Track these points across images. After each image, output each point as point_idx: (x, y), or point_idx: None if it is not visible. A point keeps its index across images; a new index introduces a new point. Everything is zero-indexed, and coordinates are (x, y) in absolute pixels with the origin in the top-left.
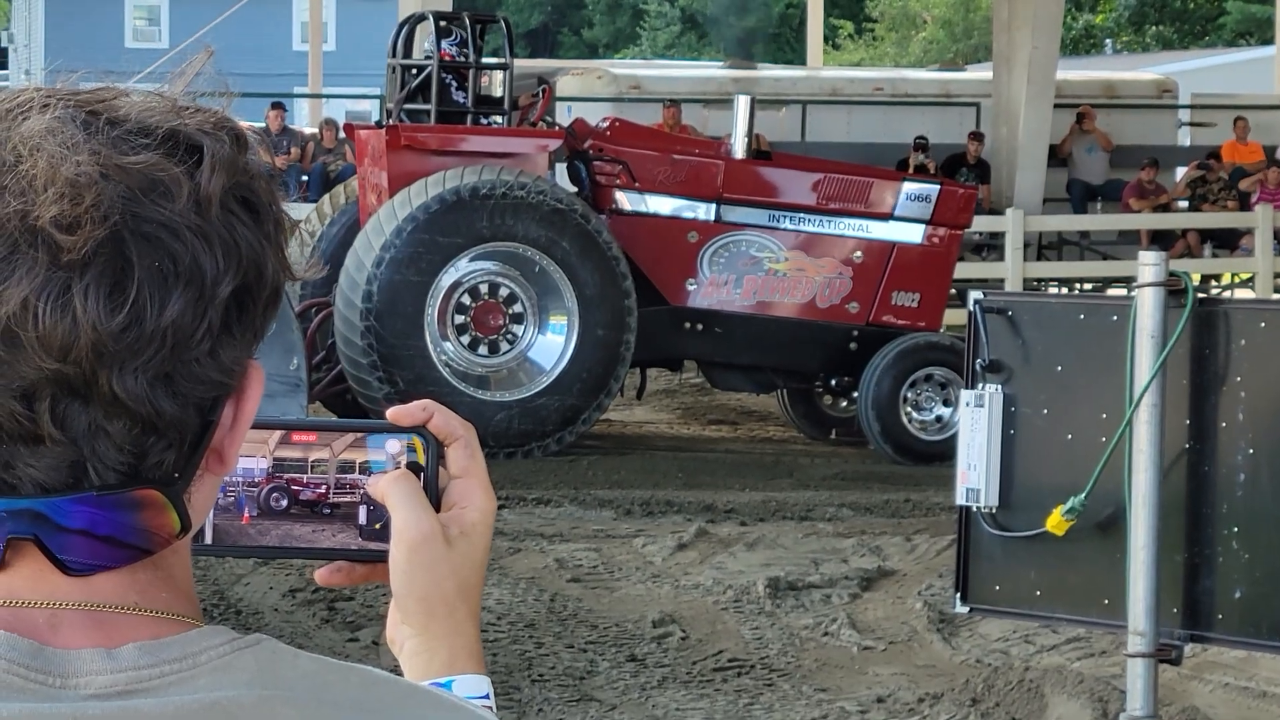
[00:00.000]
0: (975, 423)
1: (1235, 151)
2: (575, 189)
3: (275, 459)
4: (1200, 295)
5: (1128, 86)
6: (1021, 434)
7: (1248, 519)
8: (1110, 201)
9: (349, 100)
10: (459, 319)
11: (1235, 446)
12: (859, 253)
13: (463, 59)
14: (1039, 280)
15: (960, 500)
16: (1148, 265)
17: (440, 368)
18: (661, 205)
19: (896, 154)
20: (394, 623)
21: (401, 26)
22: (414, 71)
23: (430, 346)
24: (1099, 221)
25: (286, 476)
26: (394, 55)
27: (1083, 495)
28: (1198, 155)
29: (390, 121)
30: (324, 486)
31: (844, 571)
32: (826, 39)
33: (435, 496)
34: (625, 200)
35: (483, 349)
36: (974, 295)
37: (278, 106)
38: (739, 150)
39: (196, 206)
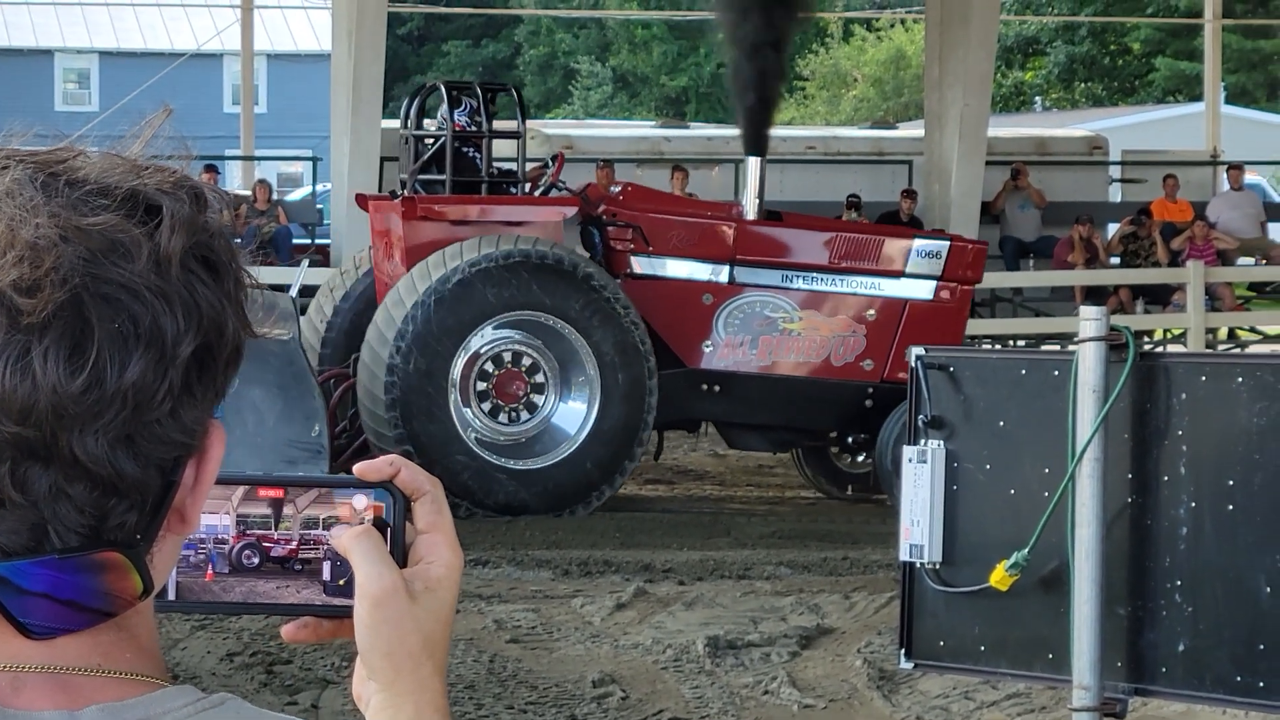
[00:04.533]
0: (918, 479)
1: (1165, 209)
2: (588, 254)
3: (239, 515)
4: (1141, 350)
5: (1059, 143)
6: (964, 489)
7: (1191, 572)
8: (1043, 258)
9: (282, 162)
10: (481, 387)
11: (1177, 500)
12: (872, 310)
13: (475, 128)
14: (973, 337)
15: (904, 556)
16: (1089, 320)
17: (465, 437)
18: (676, 268)
19: (829, 212)
20: (360, 678)
21: (413, 97)
22: (427, 142)
23: (454, 416)
24: (1032, 278)
25: (256, 533)
26: (405, 126)
27: (1026, 550)
28: (1129, 211)
29: (405, 192)
30: (293, 542)
31: (783, 630)
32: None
33: (401, 551)
34: (639, 264)
35: (504, 417)
36: (915, 351)
37: (210, 169)
38: (750, 211)
39: (156, 267)
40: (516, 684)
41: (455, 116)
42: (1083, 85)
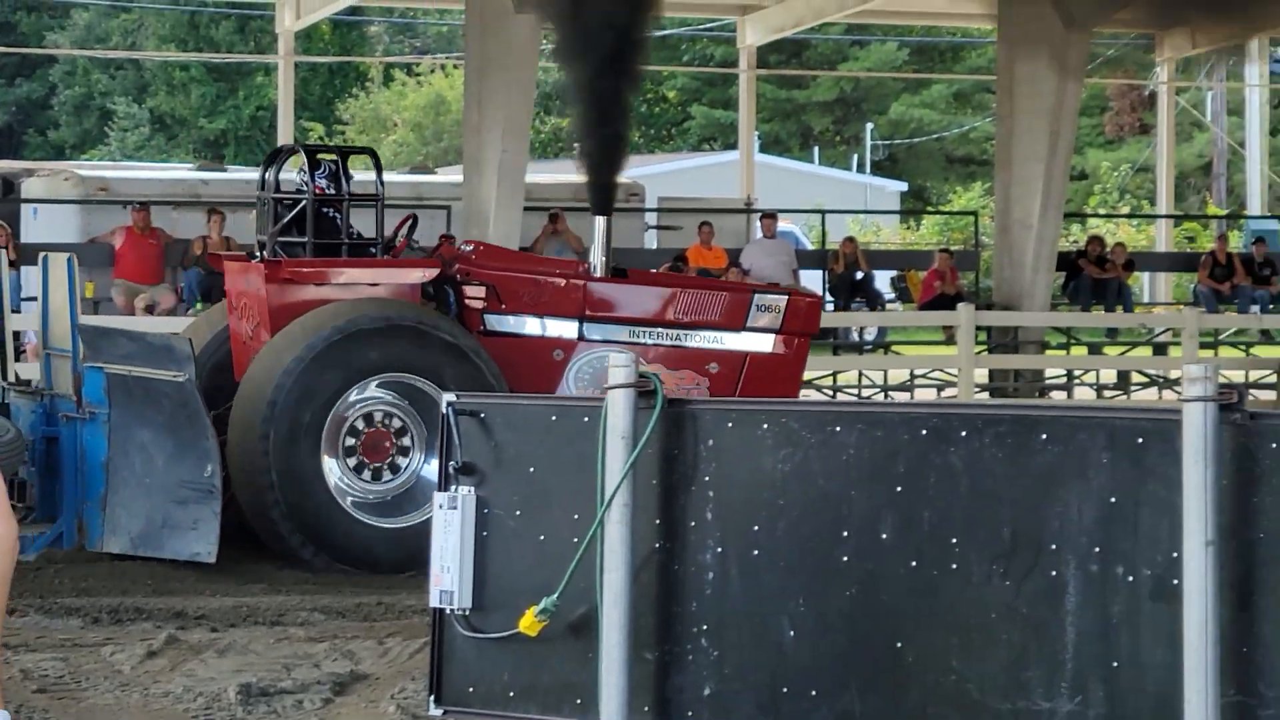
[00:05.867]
0: (449, 525)
1: (700, 255)
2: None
3: None
4: (670, 396)
5: None
6: (494, 536)
7: (717, 616)
8: None
9: None
10: (352, 454)
11: (704, 545)
12: (714, 364)
13: (334, 191)
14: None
15: (434, 603)
16: (618, 367)
17: (340, 499)
18: (527, 325)
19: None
20: None
21: (271, 159)
22: (287, 204)
23: (328, 477)
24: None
25: None
26: (263, 188)
27: (555, 596)
28: (665, 258)
29: (265, 254)
30: None
31: (316, 676)
32: (297, 141)
33: None
34: (492, 322)
35: (376, 476)
36: (447, 398)
37: None
38: (598, 269)
39: None
40: None
41: (315, 179)
42: None
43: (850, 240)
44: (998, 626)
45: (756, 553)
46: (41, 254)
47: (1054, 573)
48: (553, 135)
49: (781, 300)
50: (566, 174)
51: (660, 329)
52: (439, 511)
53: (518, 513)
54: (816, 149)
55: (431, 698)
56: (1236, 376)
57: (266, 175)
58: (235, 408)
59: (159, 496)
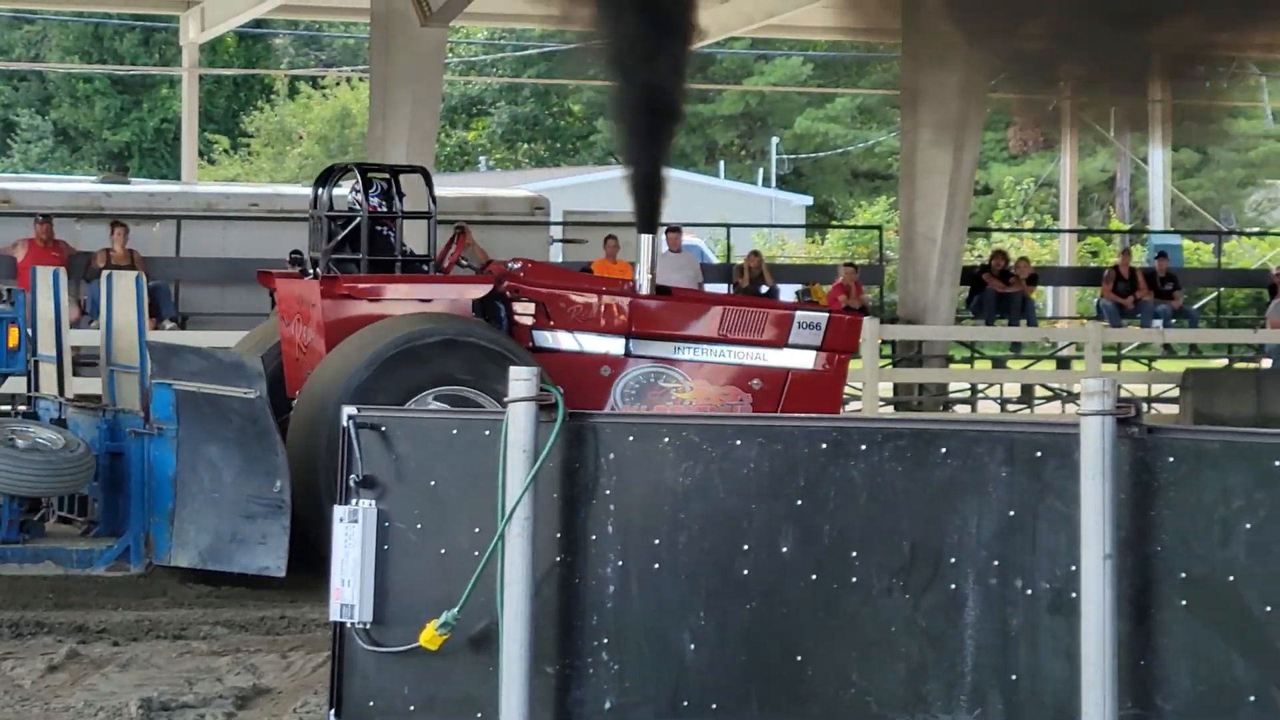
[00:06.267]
0: (349, 538)
1: (606, 269)
2: None
3: None
4: (571, 410)
5: (501, 203)
6: (395, 549)
7: (617, 630)
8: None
9: None
10: None
11: (605, 559)
12: (757, 380)
13: (386, 209)
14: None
15: (335, 616)
16: (519, 380)
17: None
18: (575, 342)
19: (272, 269)
20: None
21: (325, 178)
22: (340, 222)
23: None
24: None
25: None
26: (315, 206)
27: (456, 609)
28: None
29: (319, 271)
30: None
31: (219, 690)
32: (202, 154)
33: None
34: (540, 338)
35: None
36: (347, 410)
37: None
38: (643, 286)
39: None
40: None
41: (369, 198)
42: (526, 145)
43: (755, 254)
44: (897, 639)
45: (657, 566)
46: (105, 270)
47: (953, 586)
48: (458, 148)
49: (823, 318)
50: (471, 187)
51: (704, 345)
52: (339, 525)
53: (419, 526)
54: (721, 163)
55: (332, 711)
56: (1139, 391)
57: (319, 193)
58: (294, 420)
59: (227, 511)
